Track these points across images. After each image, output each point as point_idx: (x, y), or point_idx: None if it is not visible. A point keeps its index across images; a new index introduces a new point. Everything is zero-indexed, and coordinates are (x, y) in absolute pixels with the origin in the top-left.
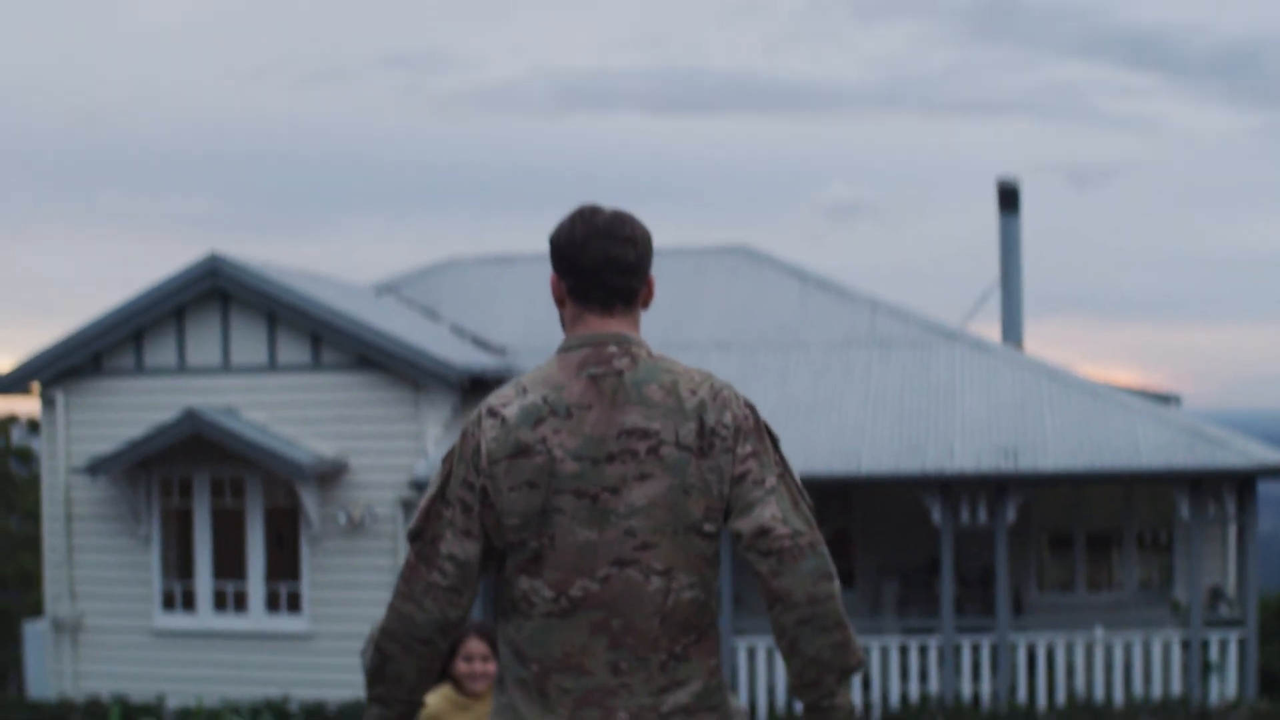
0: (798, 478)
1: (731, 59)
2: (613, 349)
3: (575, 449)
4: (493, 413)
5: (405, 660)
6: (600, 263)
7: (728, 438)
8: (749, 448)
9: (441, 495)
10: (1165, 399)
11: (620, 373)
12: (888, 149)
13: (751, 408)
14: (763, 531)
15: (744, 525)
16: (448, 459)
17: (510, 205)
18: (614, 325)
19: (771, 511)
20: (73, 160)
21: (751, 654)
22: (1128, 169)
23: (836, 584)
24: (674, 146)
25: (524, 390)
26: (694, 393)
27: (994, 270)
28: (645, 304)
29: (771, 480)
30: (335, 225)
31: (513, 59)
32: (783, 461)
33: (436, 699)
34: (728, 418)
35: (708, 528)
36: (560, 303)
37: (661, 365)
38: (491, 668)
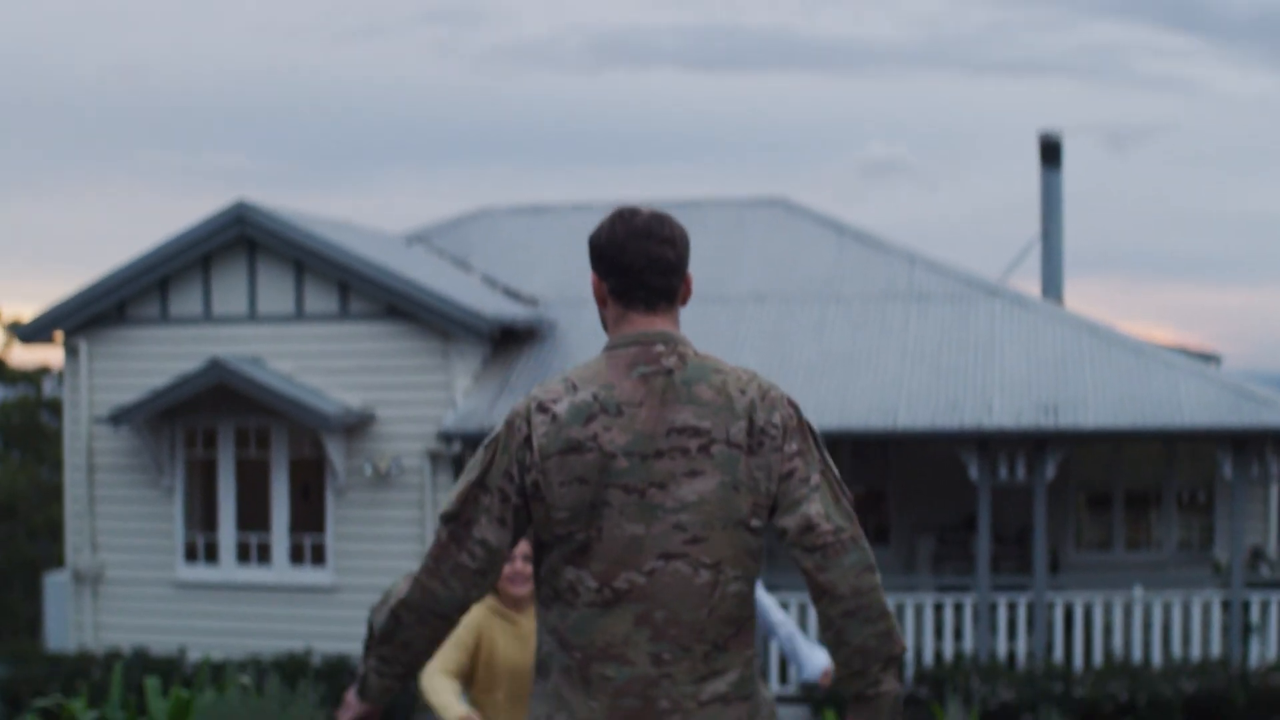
0: (837, 472)
1: (769, 16)
2: (660, 348)
3: (626, 445)
4: (543, 408)
5: (418, 630)
6: (643, 263)
7: (776, 436)
8: (795, 446)
9: (481, 482)
10: (1206, 358)
11: (670, 371)
12: (925, 108)
13: (795, 406)
14: (809, 528)
15: (790, 522)
16: (491, 446)
17: (547, 161)
18: (659, 324)
19: (816, 508)
20: (110, 116)
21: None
22: (1166, 130)
23: (878, 576)
24: (710, 103)
25: (574, 387)
26: (743, 392)
27: (1030, 231)
28: (684, 301)
29: (816, 478)
30: (371, 181)
31: (549, 15)
32: (824, 458)
33: (480, 610)
34: (776, 417)
35: (755, 523)
36: (602, 303)
37: (710, 365)
38: (529, 569)
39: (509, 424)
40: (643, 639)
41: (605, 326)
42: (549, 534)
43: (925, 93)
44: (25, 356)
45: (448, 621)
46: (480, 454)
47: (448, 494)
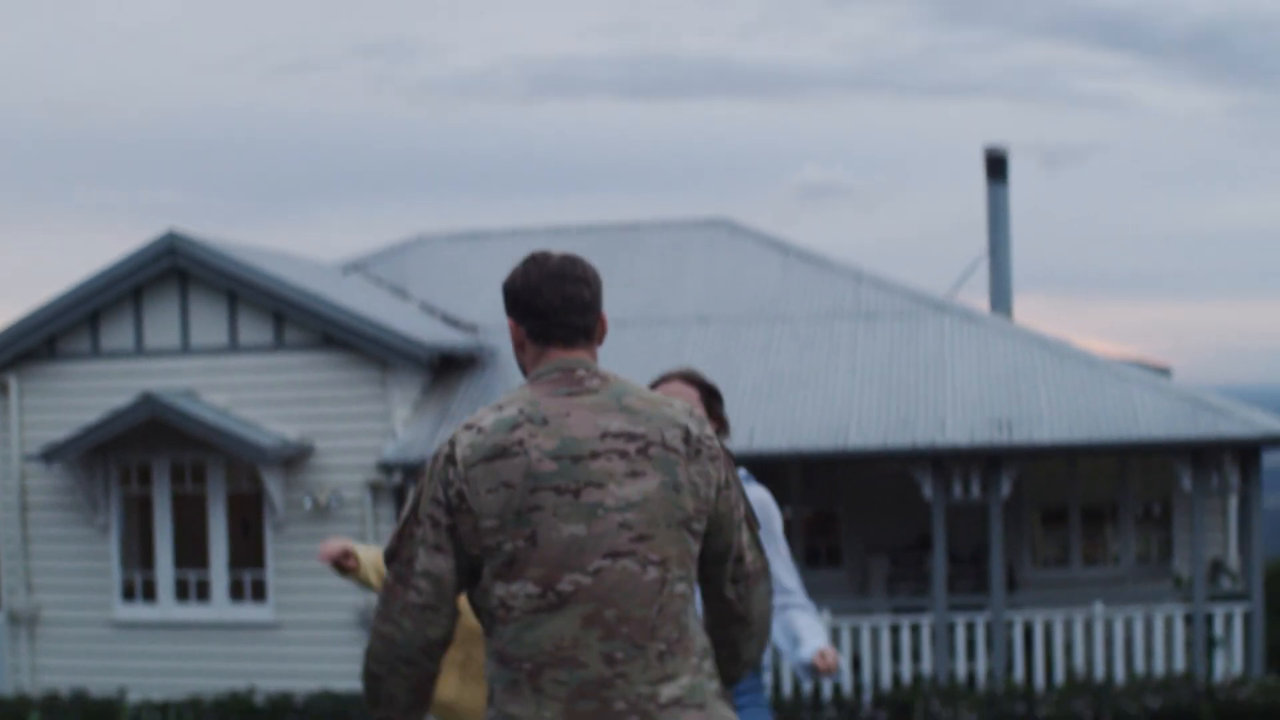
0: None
1: (704, 44)
2: (582, 372)
3: (554, 449)
4: (468, 426)
5: (394, 681)
6: (559, 303)
7: (712, 449)
8: (726, 473)
9: (414, 515)
10: (1159, 372)
11: (595, 390)
12: (861, 131)
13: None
14: (739, 558)
15: (720, 546)
16: (419, 480)
17: (485, 191)
18: (578, 355)
19: (744, 538)
20: (49, 152)
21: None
22: (1101, 149)
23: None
24: (647, 131)
25: (499, 407)
26: (671, 405)
27: (971, 251)
28: (600, 340)
29: (741, 509)
30: (309, 214)
31: (485, 47)
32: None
33: None
34: (708, 430)
35: (696, 526)
36: (520, 347)
37: (634, 385)
38: None
39: (434, 454)
40: (593, 639)
41: (524, 371)
42: (477, 547)
43: (861, 116)
44: None
45: (416, 666)
46: (412, 490)
47: (380, 495)
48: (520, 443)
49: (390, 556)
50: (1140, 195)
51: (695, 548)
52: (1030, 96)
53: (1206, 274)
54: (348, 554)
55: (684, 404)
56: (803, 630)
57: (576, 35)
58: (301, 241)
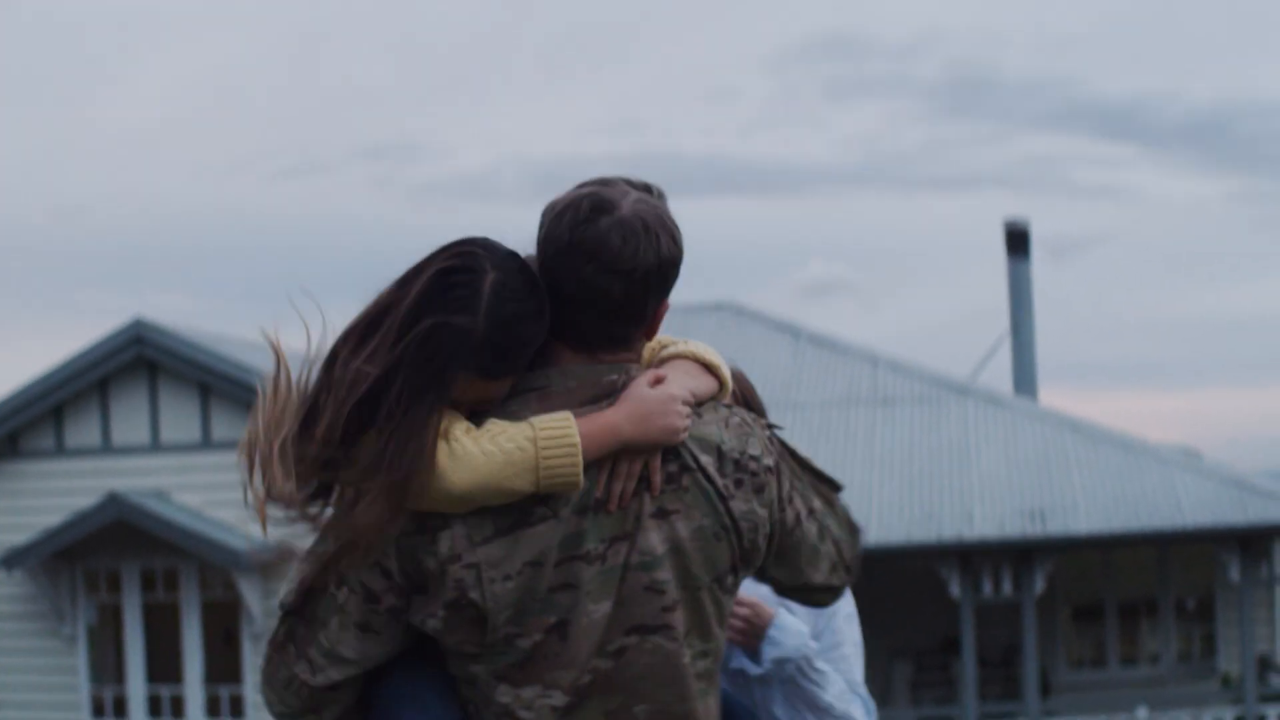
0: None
1: (705, 143)
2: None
3: (578, 501)
4: None
5: None
6: (571, 289)
7: (758, 468)
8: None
9: (334, 566)
10: (1188, 455)
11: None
12: (863, 227)
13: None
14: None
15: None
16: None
17: None
18: (593, 360)
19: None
20: (52, 259)
21: None
22: (1107, 238)
23: None
24: None
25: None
26: (700, 416)
27: (981, 342)
28: (649, 336)
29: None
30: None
31: (485, 148)
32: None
33: None
34: (753, 446)
35: (731, 582)
36: None
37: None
38: None
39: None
40: None
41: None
42: (467, 644)
43: (862, 211)
44: None
45: None
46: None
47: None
48: (549, 499)
49: (289, 607)
50: (1146, 283)
51: (728, 607)
52: (1032, 188)
53: (1216, 361)
54: None
55: (717, 414)
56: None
57: (577, 135)
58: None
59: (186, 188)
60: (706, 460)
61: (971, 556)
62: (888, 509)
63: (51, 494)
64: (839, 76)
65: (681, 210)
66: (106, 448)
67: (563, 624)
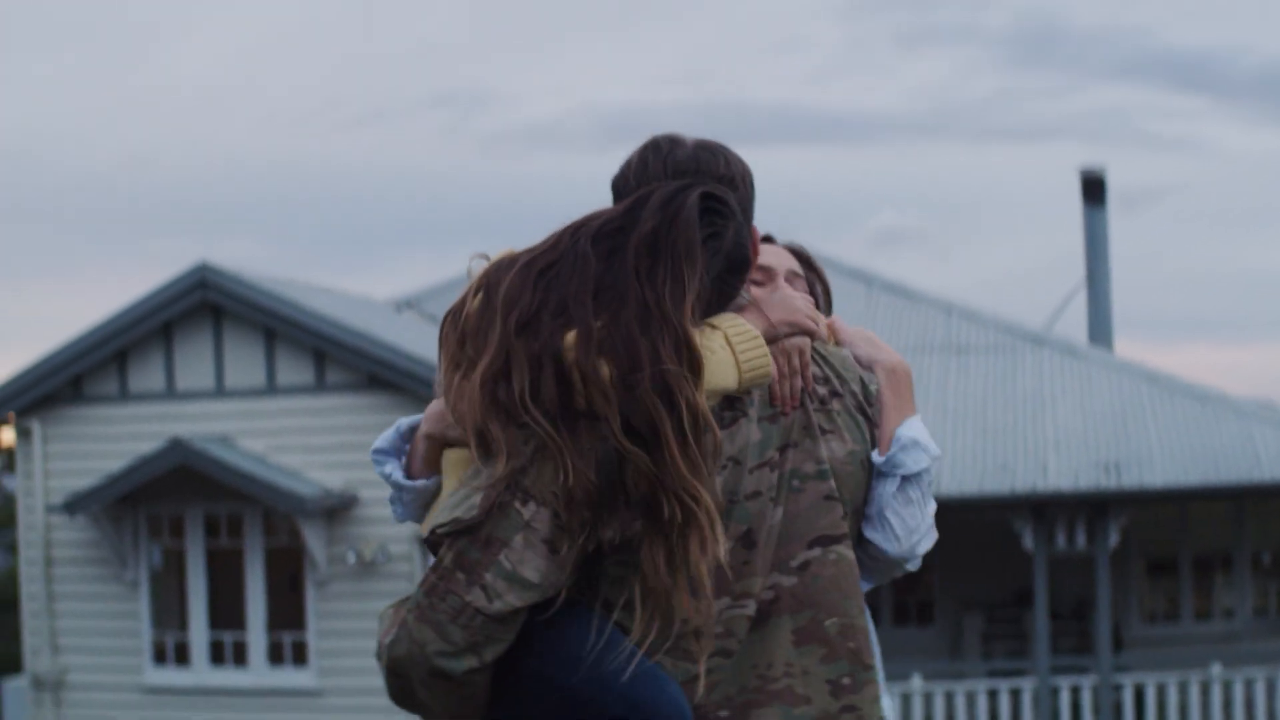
0: None
1: (775, 92)
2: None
3: (759, 407)
4: None
5: (428, 694)
6: None
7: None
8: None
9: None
10: (1267, 408)
11: None
12: (934, 177)
13: None
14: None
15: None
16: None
17: None
18: None
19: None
20: (120, 207)
21: None
22: (1178, 190)
23: None
24: None
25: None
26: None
27: (1054, 292)
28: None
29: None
30: (383, 265)
31: (556, 96)
32: None
33: None
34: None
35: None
36: None
37: None
38: None
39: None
40: (812, 663)
41: None
42: None
43: (934, 161)
44: None
45: (459, 687)
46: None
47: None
48: (735, 403)
49: (461, 528)
50: (1219, 235)
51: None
52: (1103, 139)
53: None
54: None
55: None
56: None
57: (647, 84)
58: (376, 290)
59: (253, 139)
60: (855, 388)
61: (1045, 508)
62: (961, 459)
63: (115, 439)
64: (909, 25)
65: (751, 159)
66: (170, 392)
67: (750, 533)
